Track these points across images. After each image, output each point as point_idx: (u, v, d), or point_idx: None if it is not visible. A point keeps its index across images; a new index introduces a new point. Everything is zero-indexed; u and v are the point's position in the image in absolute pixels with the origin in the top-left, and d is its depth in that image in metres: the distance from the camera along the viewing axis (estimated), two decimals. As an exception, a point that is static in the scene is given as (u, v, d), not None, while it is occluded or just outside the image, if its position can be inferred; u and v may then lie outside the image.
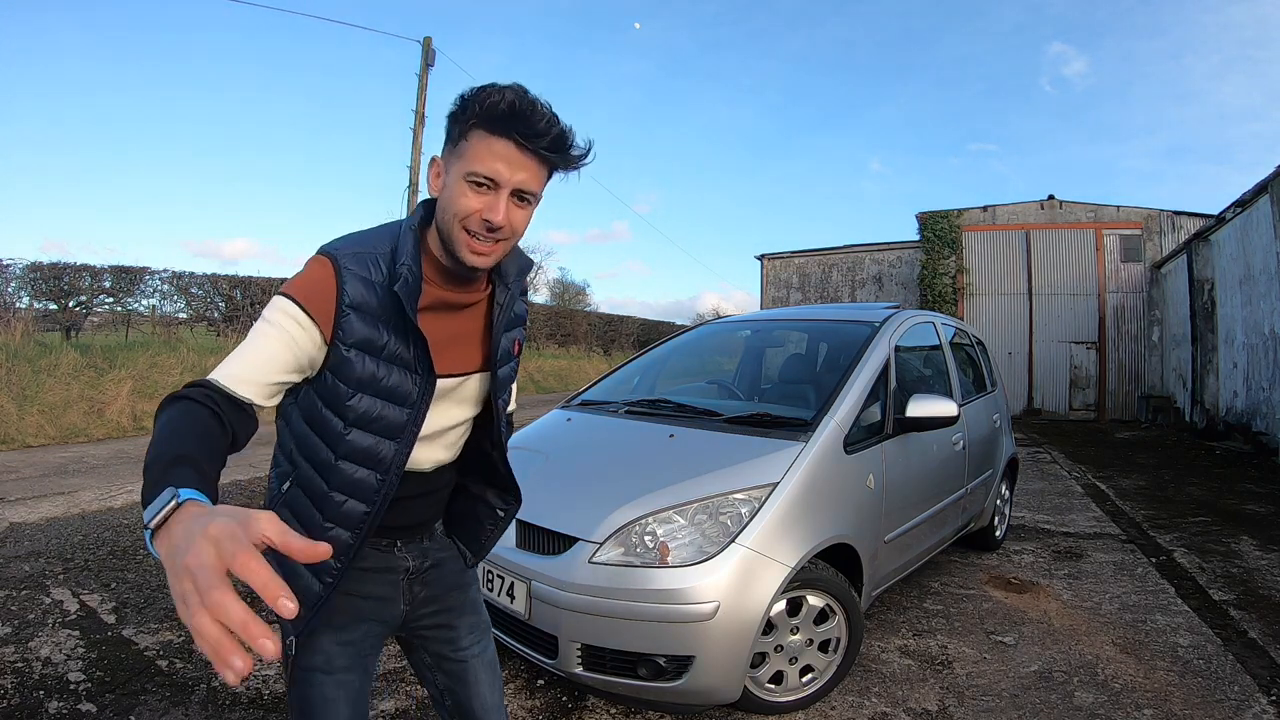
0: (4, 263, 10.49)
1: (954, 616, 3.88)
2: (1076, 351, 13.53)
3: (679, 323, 35.11)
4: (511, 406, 1.59)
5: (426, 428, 1.27)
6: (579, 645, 2.45)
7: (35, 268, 10.84)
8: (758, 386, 4.20)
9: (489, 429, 1.43)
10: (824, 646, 2.78)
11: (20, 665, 2.88)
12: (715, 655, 2.37)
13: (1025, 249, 13.56)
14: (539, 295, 40.96)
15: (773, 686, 2.68)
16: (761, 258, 19.52)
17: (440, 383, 1.26)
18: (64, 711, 2.55)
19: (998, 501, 4.95)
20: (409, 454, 1.25)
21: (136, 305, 11.99)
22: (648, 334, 28.37)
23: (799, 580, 2.61)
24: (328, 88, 61.35)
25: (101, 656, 2.99)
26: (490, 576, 2.70)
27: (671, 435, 3.18)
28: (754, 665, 2.57)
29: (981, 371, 4.95)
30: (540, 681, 2.99)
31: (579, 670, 2.48)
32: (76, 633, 3.20)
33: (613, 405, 3.68)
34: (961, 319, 13.71)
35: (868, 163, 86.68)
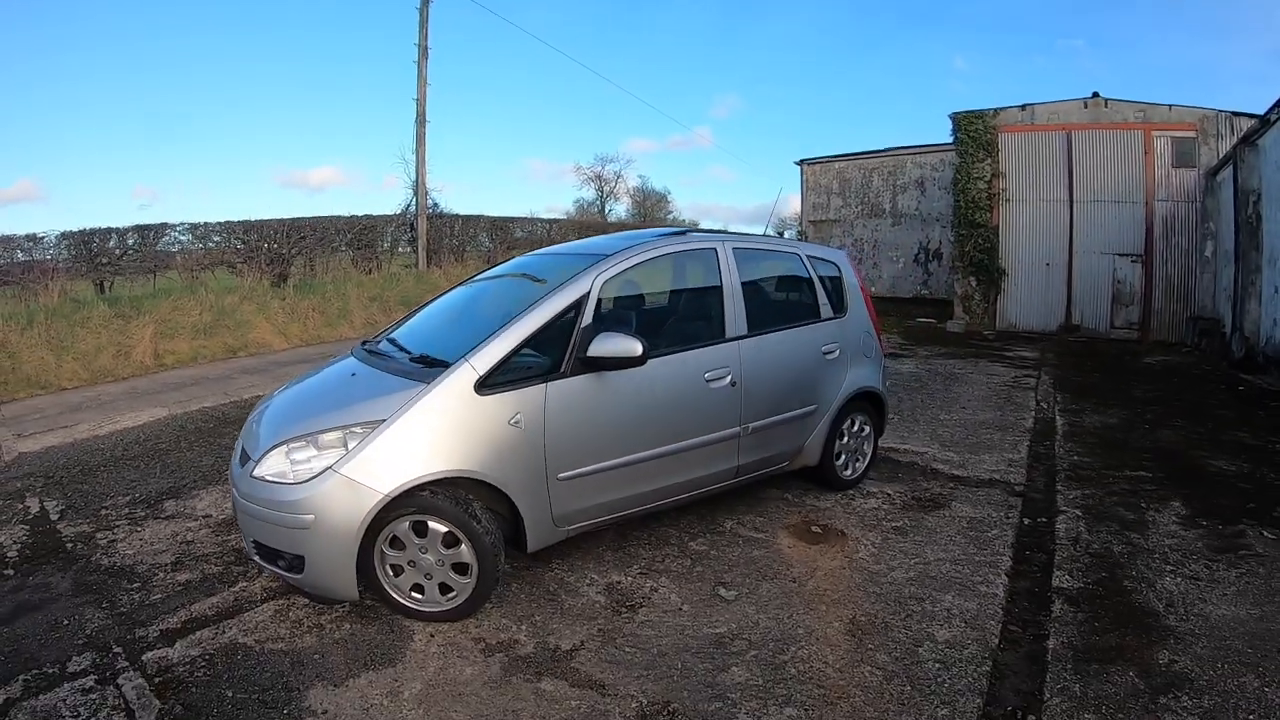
0: (39, 235, 11.88)
1: (706, 559, 3.61)
2: (1120, 265, 11.69)
3: (753, 229, 33.04)
4: None
5: None
6: (252, 540, 2.94)
7: (66, 235, 12.07)
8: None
9: None
10: (461, 569, 2.91)
11: None
12: (319, 558, 2.75)
13: (1066, 152, 11.78)
14: (620, 204, 40.93)
15: (418, 596, 2.95)
16: (801, 163, 18.30)
17: None
18: None
19: (844, 440, 4.46)
20: None
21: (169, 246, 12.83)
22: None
23: (415, 506, 2.82)
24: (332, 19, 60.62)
25: (34, 541, 3.94)
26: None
27: (354, 374, 3.38)
28: (395, 575, 2.92)
29: (816, 299, 4.34)
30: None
31: (256, 559, 2.98)
32: (26, 526, 4.15)
33: (370, 345, 3.79)
34: (996, 226, 12.26)
35: (952, 61, 76.48)
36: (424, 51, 14.51)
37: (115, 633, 2.94)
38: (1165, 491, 4.55)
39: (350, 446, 2.79)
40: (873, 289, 16.87)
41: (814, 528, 3.96)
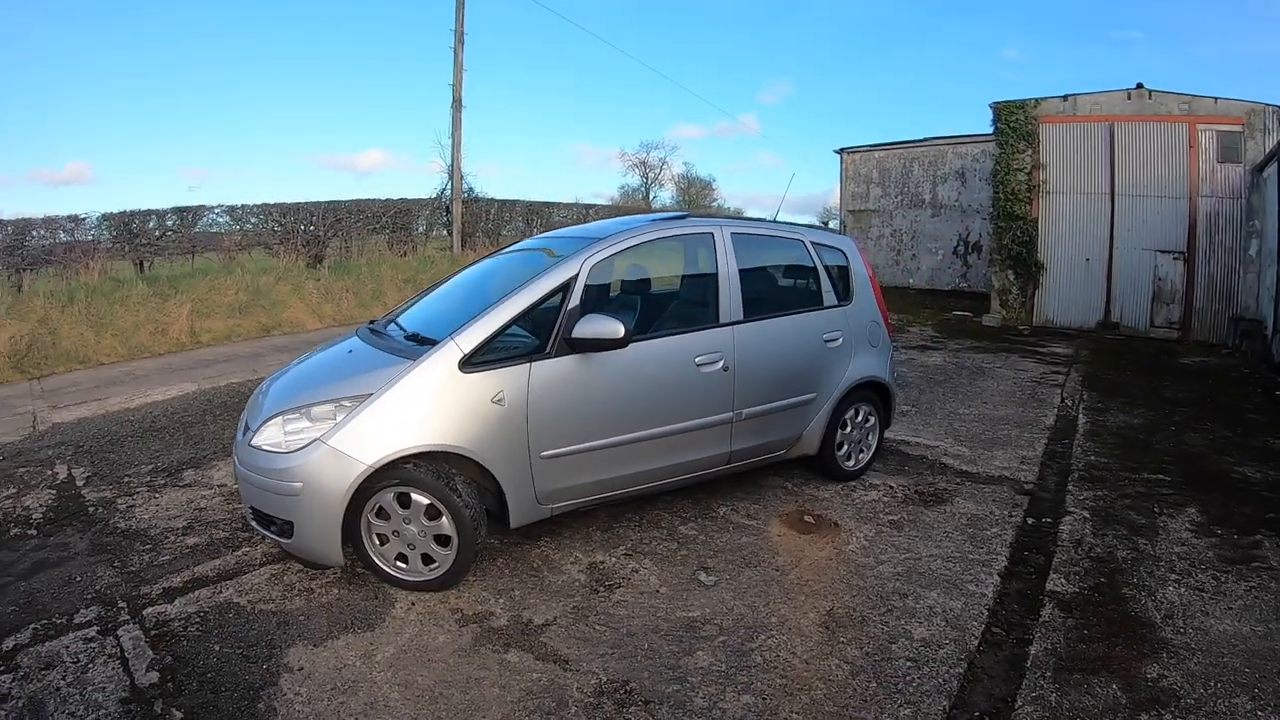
0: (80, 216, 12.37)
1: (692, 544, 3.63)
2: (1162, 261, 11.20)
3: (806, 220, 32.57)
4: None
5: None
6: (250, 506, 3.08)
7: (107, 217, 12.54)
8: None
9: None
10: (443, 541, 3.00)
11: (9, 508, 4.13)
12: (307, 524, 2.87)
13: (1108, 144, 11.36)
14: (665, 190, 41.02)
15: (402, 565, 3.06)
16: (841, 152, 18.05)
17: None
18: (16, 534, 3.79)
19: (847, 430, 4.42)
20: None
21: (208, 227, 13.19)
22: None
23: (399, 478, 2.91)
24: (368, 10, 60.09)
25: (59, 505, 4.17)
26: None
27: (350, 351, 3.50)
28: (381, 543, 3.03)
29: (819, 286, 4.28)
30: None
31: (254, 524, 3.12)
32: (53, 491, 4.38)
33: (375, 325, 3.88)
34: (1035, 219, 11.90)
35: (1003, 50, 72.93)
36: (460, 38, 14.67)
37: (122, 589, 3.11)
38: (1182, 496, 4.36)
39: (339, 419, 2.89)
40: (910, 281, 16.86)
41: (807, 517, 3.94)
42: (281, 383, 3.44)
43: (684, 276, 4.11)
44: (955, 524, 3.92)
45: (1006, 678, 2.57)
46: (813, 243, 4.32)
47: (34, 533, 3.76)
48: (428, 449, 2.90)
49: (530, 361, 3.09)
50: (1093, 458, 5.11)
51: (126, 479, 4.52)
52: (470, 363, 2.99)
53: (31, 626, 2.81)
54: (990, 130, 12.62)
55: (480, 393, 2.99)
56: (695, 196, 41.05)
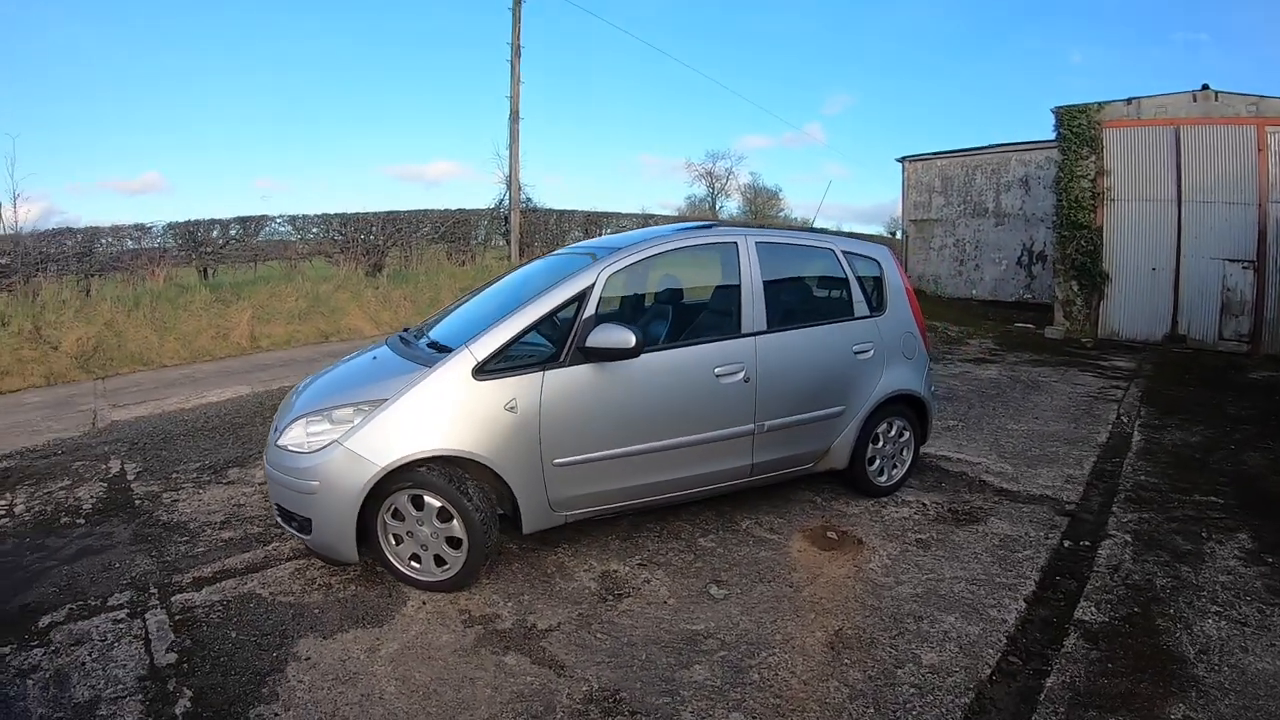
0: (147, 225, 12.89)
1: (709, 556, 3.59)
2: (1231, 270, 10.48)
3: (869, 229, 31.65)
4: None
5: None
6: (276, 503, 3.22)
7: (172, 225, 13.09)
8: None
9: None
10: (454, 543, 3.07)
11: (62, 498, 4.41)
12: (324, 522, 2.98)
13: (1174, 148, 10.78)
14: (731, 200, 40.88)
15: (416, 565, 3.14)
16: (902, 160, 17.66)
17: None
18: (66, 522, 4.04)
19: (879, 444, 4.30)
20: None
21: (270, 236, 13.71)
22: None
23: (412, 481, 3.00)
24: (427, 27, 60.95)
25: (109, 497, 4.42)
26: None
27: (374, 358, 3.63)
28: (396, 543, 3.11)
29: (850, 296, 4.19)
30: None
31: (279, 520, 3.26)
32: (105, 484, 4.64)
33: (406, 333, 3.98)
34: (1100, 227, 11.39)
35: (1069, 55, 69.55)
36: (516, 50, 14.94)
37: (156, 577, 3.29)
38: (1234, 521, 4.07)
39: (356, 422, 2.99)
40: (973, 292, 16.35)
41: (831, 533, 3.84)
42: (313, 387, 3.57)
43: (707, 286, 4.09)
44: (986, 545, 3.75)
45: (1016, 711, 2.44)
46: (844, 252, 4.22)
47: (82, 521, 4.01)
48: (440, 453, 2.97)
49: (544, 370, 3.13)
50: (1143, 477, 4.83)
51: (174, 475, 4.76)
52: (484, 370, 3.06)
53: (68, 606, 3.01)
54: (1053, 136, 12.16)
55: (493, 400, 3.04)
56: (761, 206, 40.73)
